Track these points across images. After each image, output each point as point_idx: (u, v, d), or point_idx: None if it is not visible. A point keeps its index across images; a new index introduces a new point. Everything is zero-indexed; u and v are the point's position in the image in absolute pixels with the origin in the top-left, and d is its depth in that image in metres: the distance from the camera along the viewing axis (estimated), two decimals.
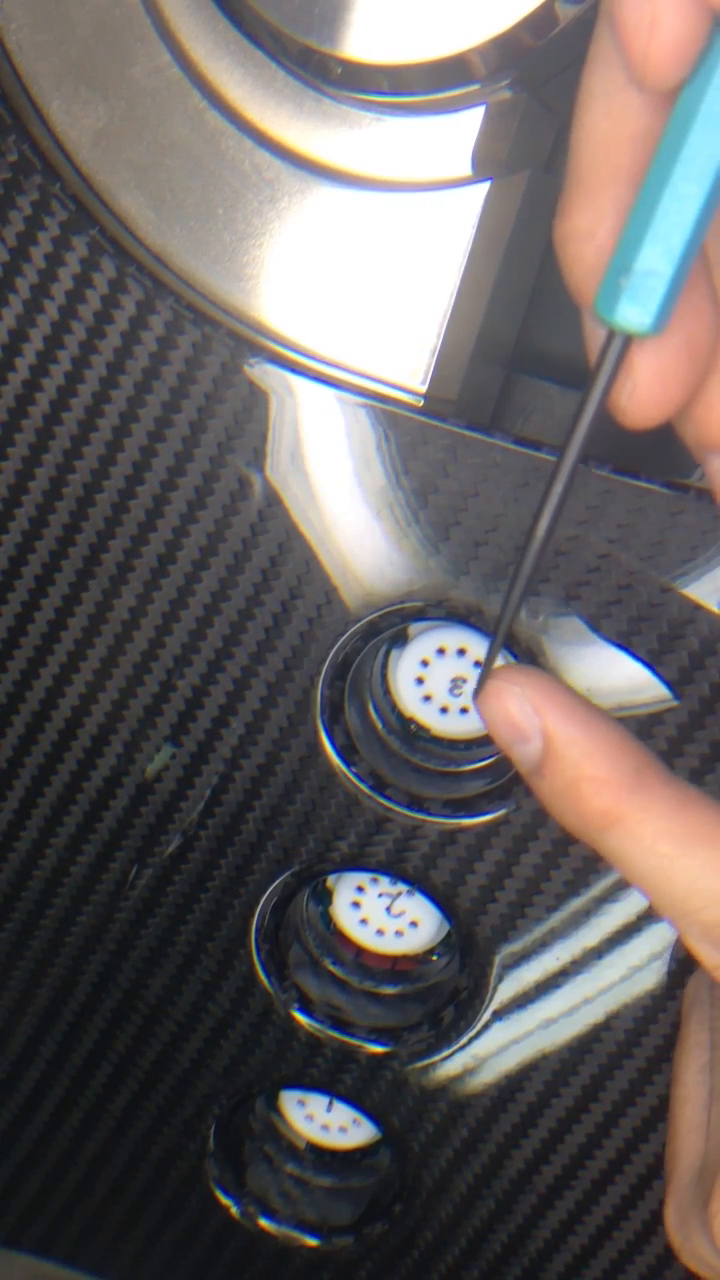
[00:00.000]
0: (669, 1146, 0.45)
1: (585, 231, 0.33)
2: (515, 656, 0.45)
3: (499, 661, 0.46)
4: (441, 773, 0.48)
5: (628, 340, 0.33)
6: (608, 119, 0.33)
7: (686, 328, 0.33)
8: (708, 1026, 0.45)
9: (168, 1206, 0.56)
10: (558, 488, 0.35)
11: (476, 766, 0.48)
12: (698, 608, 0.44)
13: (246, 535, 0.45)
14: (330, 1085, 0.52)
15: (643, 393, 0.34)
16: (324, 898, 0.51)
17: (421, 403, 0.44)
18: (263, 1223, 0.55)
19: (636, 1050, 0.49)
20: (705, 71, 0.31)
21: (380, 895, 0.50)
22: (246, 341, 0.44)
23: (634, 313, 0.32)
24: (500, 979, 0.49)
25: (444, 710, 0.47)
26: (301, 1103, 0.55)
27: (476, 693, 0.38)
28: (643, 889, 0.38)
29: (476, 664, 0.46)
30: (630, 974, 0.48)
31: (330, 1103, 0.55)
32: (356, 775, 0.47)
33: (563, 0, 0.39)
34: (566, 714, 0.37)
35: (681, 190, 0.31)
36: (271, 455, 0.45)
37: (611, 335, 0.33)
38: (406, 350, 0.44)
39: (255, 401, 0.44)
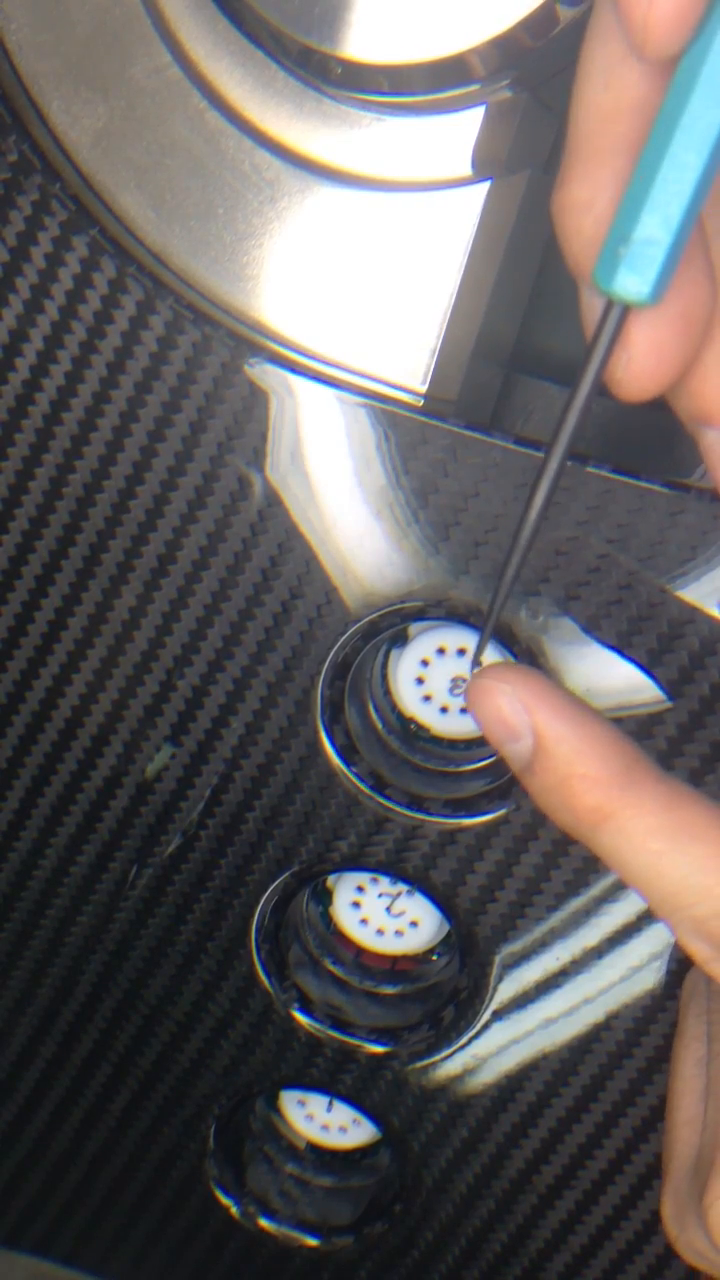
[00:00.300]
0: (666, 1139, 0.45)
1: (584, 203, 0.33)
2: (515, 656, 0.45)
3: (498, 660, 0.46)
4: (441, 773, 0.48)
5: (626, 310, 0.33)
6: (607, 91, 0.33)
7: (682, 300, 0.33)
8: (704, 1020, 0.45)
9: (168, 1206, 0.56)
10: (551, 468, 0.35)
11: (476, 766, 0.48)
12: (697, 609, 0.44)
13: (246, 535, 0.45)
14: (330, 1085, 0.52)
15: (638, 364, 0.34)
16: (324, 898, 0.51)
17: (421, 403, 0.44)
18: (263, 1223, 0.55)
19: (636, 1050, 0.49)
20: (704, 40, 0.31)
21: (380, 895, 0.50)
22: (246, 341, 0.44)
23: (632, 281, 0.32)
24: (500, 979, 0.49)
25: (444, 710, 0.47)
26: (301, 1103, 0.55)
27: (467, 689, 0.38)
28: (636, 886, 0.38)
29: (477, 663, 0.46)
30: (630, 974, 0.48)
31: (330, 1103, 0.55)
32: (356, 775, 0.47)
33: (562, 1, 0.39)
34: (556, 711, 0.37)
35: (680, 159, 0.32)
36: (271, 455, 0.45)
37: (610, 305, 0.33)
38: (406, 350, 0.44)
39: (255, 401, 0.44)
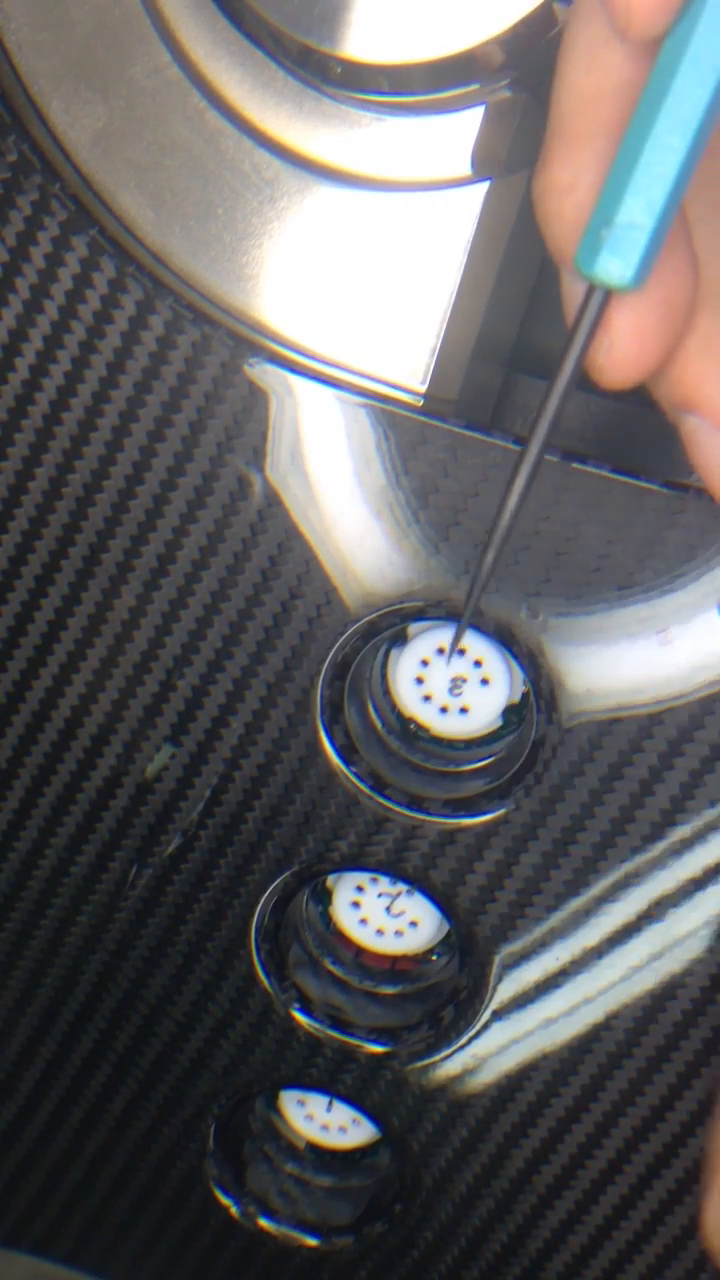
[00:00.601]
0: (711, 1142, 0.44)
1: (565, 185, 0.33)
2: (515, 657, 0.45)
3: (501, 659, 0.46)
4: (441, 773, 0.48)
5: (607, 295, 0.33)
6: (590, 73, 0.33)
7: (664, 286, 0.33)
8: None
9: (168, 1206, 0.56)
10: (531, 455, 0.35)
11: (476, 766, 0.48)
12: (697, 609, 0.44)
13: (246, 535, 0.45)
14: (330, 1085, 0.52)
15: (620, 350, 0.33)
16: (324, 897, 0.51)
17: (421, 403, 0.44)
18: (263, 1223, 0.55)
19: (636, 1050, 0.49)
20: (688, 21, 0.31)
21: (380, 895, 0.50)
22: (246, 341, 0.44)
23: (615, 266, 0.32)
24: (500, 979, 0.49)
25: (444, 710, 0.47)
26: (301, 1103, 0.55)
27: (450, 653, 0.37)
28: None
29: (477, 663, 0.46)
30: (630, 974, 0.48)
31: (330, 1103, 0.55)
32: (356, 775, 0.47)
33: (561, 1, 0.39)
34: None
35: (664, 141, 0.31)
36: (271, 455, 0.45)
37: (591, 290, 0.33)
38: (406, 350, 0.44)
39: (255, 401, 0.44)
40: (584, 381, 0.35)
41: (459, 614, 0.45)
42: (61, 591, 0.47)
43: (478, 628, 0.45)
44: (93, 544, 0.46)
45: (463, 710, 0.47)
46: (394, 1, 0.40)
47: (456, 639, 0.38)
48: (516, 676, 0.46)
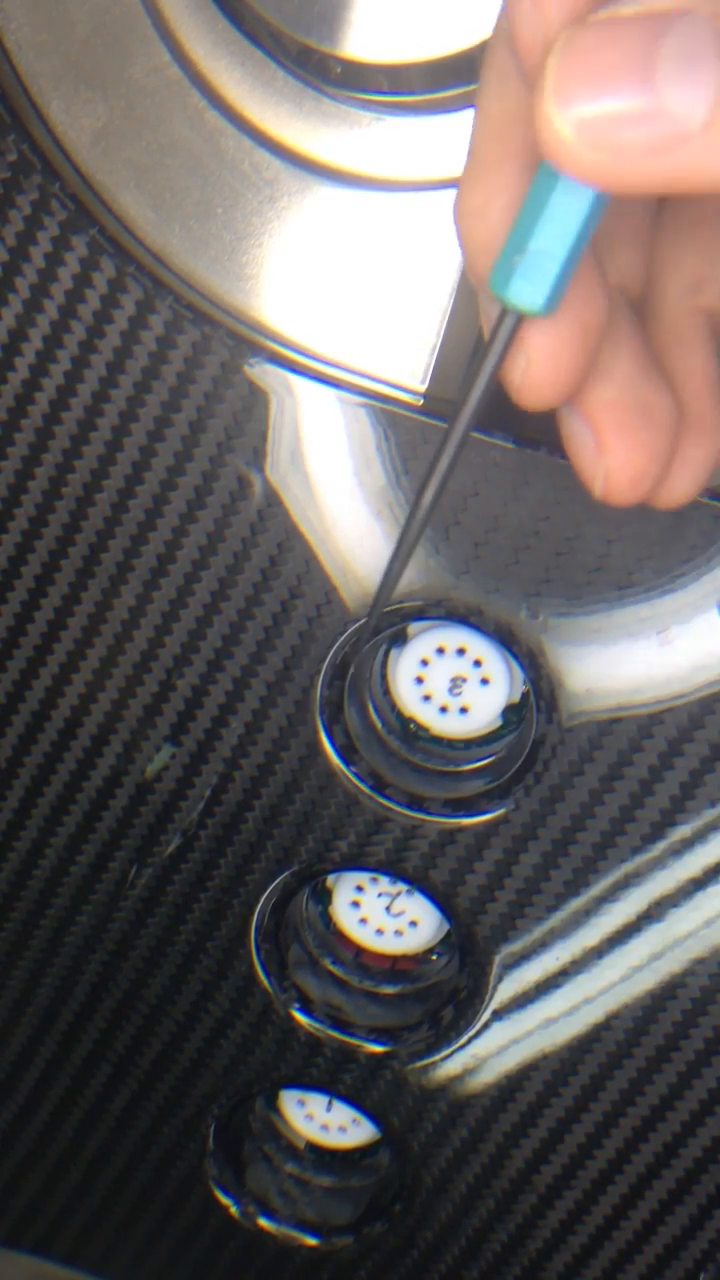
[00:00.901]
0: None
1: (478, 209, 0.33)
2: (515, 657, 0.45)
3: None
4: (441, 772, 0.48)
5: (519, 318, 0.33)
6: (500, 100, 0.33)
7: (577, 308, 0.33)
8: None
9: (168, 1206, 0.56)
10: (443, 464, 0.35)
11: (476, 766, 0.48)
12: (697, 609, 0.44)
13: (246, 535, 0.45)
14: (330, 1085, 0.52)
15: (536, 372, 0.34)
16: (324, 897, 0.51)
17: (421, 403, 0.44)
18: (262, 1222, 0.55)
19: (636, 1050, 0.49)
20: None
21: (380, 895, 0.50)
22: (246, 341, 0.44)
23: (527, 291, 0.32)
24: (500, 979, 0.49)
25: (444, 710, 0.47)
26: (301, 1102, 0.55)
27: (366, 639, 0.37)
28: None
29: (477, 663, 0.46)
30: (630, 974, 0.48)
31: (330, 1102, 0.55)
32: (356, 775, 0.47)
33: None
34: None
35: (576, 186, 0.31)
36: (271, 455, 0.45)
37: (504, 312, 0.33)
38: (406, 350, 0.44)
39: (255, 401, 0.44)
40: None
41: (459, 614, 0.45)
42: (61, 591, 0.47)
43: (478, 628, 0.45)
44: (93, 544, 0.46)
45: (463, 710, 0.47)
46: (394, 1, 0.40)
47: (374, 610, 0.38)
48: (516, 676, 0.46)
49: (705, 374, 0.36)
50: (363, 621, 0.45)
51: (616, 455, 0.35)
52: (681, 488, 0.36)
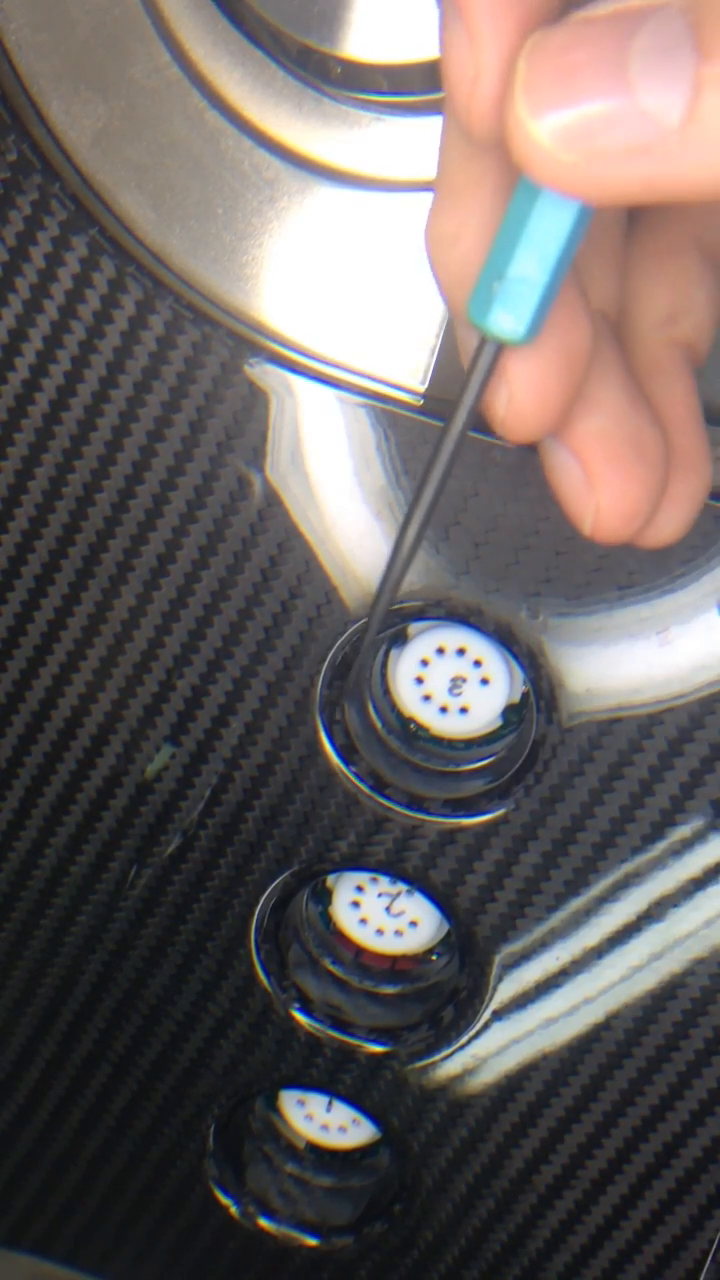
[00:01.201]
0: None
1: (450, 236, 0.32)
2: (515, 657, 0.45)
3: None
4: (441, 772, 0.48)
5: (500, 348, 0.32)
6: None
7: (560, 335, 0.32)
8: None
9: (167, 1206, 0.56)
10: (426, 497, 0.34)
11: (476, 766, 0.48)
12: (697, 609, 0.44)
13: (246, 535, 0.45)
14: (330, 1085, 0.52)
15: (520, 403, 0.32)
16: (324, 897, 0.51)
17: (421, 403, 0.44)
18: (262, 1222, 0.55)
19: (636, 1050, 0.49)
20: None
21: (380, 895, 0.50)
22: (246, 341, 0.44)
23: (507, 320, 0.31)
24: (500, 979, 0.49)
25: (444, 710, 0.47)
26: (301, 1102, 0.55)
27: (364, 647, 0.36)
28: None
29: (477, 663, 0.46)
30: (630, 974, 0.48)
31: (330, 1103, 0.55)
32: (356, 775, 0.47)
33: None
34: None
35: (555, 199, 0.30)
36: (271, 455, 0.45)
37: (484, 342, 0.32)
38: (406, 350, 0.44)
39: (255, 401, 0.44)
40: None
41: (459, 614, 0.45)
42: (61, 591, 0.47)
43: (478, 628, 0.46)
44: (93, 544, 0.46)
45: (463, 710, 0.47)
46: (394, 1, 0.40)
47: (373, 617, 0.36)
48: (516, 676, 0.46)
49: (687, 407, 0.35)
50: (362, 622, 0.45)
51: (609, 490, 0.33)
52: (670, 526, 0.35)
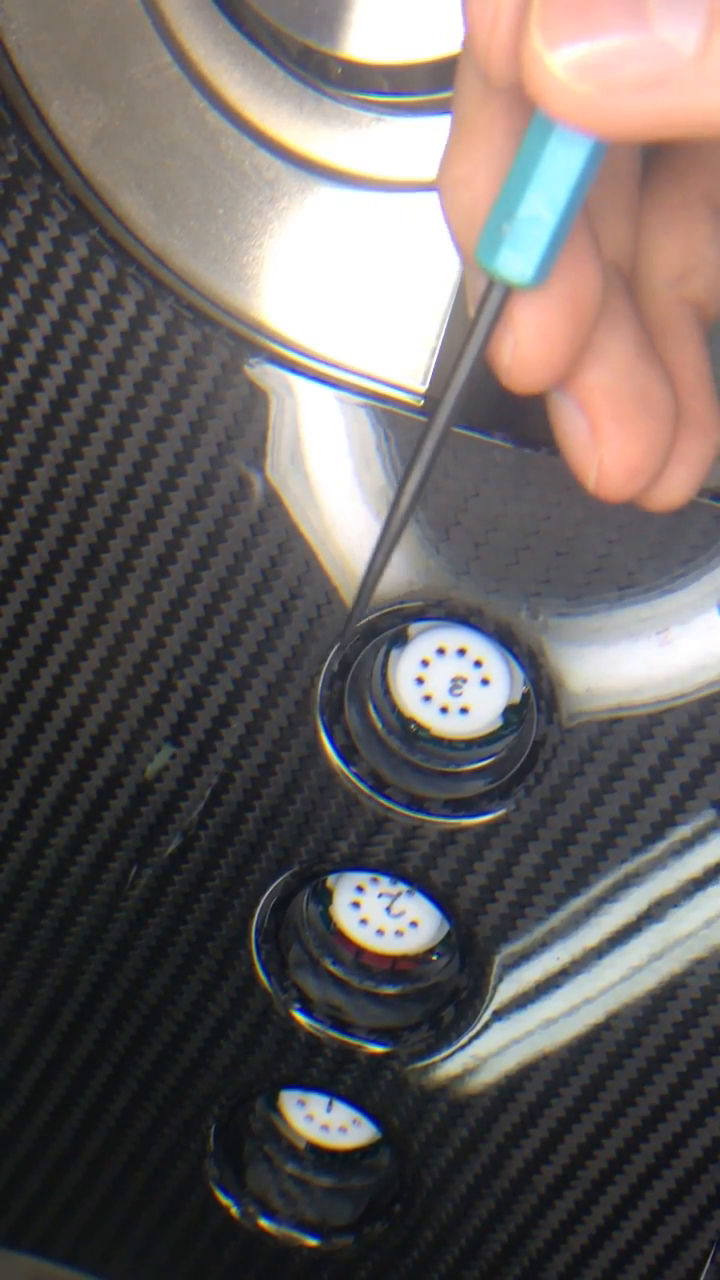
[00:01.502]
0: None
1: (463, 178, 0.32)
2: (515, 657, 0.45)
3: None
4: (441, 773, 0.48)
5: (508, 291, 0.31)
6: None
7: (569, 281, 0.32)
8: None
9: (168, 1206, 0.56)
10: (427, 451, 0.33)
11: (476, 766, 0.48)
12: (697, 609, 0.44)
13: (246, 535, 0.45)
14: (330, 1085, 0.52)
15: (526, 350, 0.32)
16: (324, 898, 0.51)
17: (421, 403, 0.44)
18: (263, 1223, 0.55)
19: (636, 1050, 0.49)
20: None
21: (380, 895, 0.50)
22: (246, 341, 0.44)
23: (515, 262, 0.31)
24: (500, 979, 0.49)
25: (444, 710, 0.47)
26: (301, 1103, 0.55)
27: (343, 641, 0.36)
28: None
29: (477, 663, 0.46)
30: (630, 974, 0.48)
31: (330, 1103, 0.55)
32: (356, 775, 0.47)
33: None
34: None
35: (567, 136, 0.30)
36: (271, 455, 0.45)
37: (491, 285, 0.31)
38: (406, 350, 0.44)
39: (255, 401, 0.44)
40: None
41: (459, 614, 0.45)
42: (61, 591, 0.47)
43: (478, 628, 0.45)
44: (93, 544, 0.46)
45: (463, 710, 0.47)
46: (394, 1, 0.40)
47: (352, 618, 0.36)
48: (517, 676, 0.46)
49: (697, 368, 0.35)
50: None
51: (613, 444, 0.33)
52: (678, 488, 0.35)
